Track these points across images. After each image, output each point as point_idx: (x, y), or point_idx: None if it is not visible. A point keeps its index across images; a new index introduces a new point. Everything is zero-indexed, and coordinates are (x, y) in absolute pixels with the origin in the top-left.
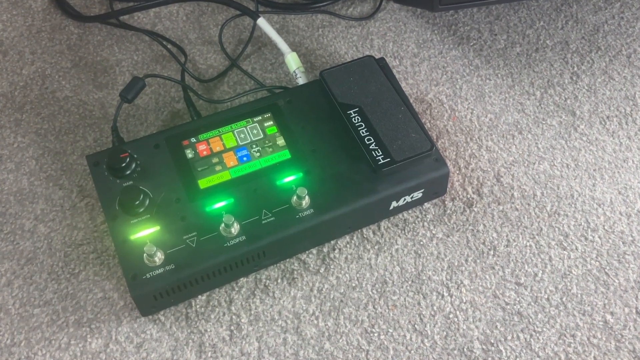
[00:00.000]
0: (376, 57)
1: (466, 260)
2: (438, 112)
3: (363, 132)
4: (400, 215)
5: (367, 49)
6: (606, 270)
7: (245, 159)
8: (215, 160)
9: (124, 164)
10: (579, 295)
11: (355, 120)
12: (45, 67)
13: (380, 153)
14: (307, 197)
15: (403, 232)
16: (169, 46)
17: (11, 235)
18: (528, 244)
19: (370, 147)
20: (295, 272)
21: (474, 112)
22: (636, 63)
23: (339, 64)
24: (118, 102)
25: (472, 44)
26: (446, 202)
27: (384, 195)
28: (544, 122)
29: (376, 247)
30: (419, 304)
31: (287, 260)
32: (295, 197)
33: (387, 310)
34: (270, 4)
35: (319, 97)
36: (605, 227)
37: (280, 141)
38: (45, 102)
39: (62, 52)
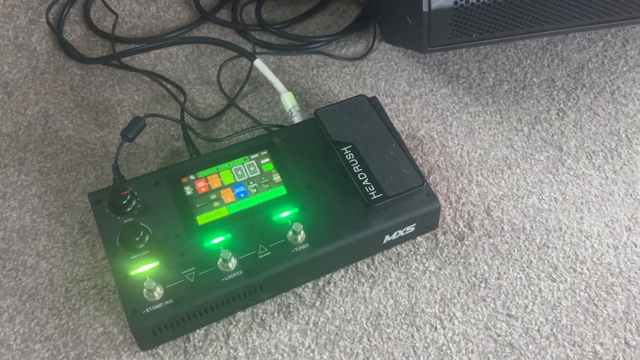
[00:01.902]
0: (368, 96)
1: (458, 293)
2: (429, 148)
3: (356, 169)
4: (393, 249)
5: (360, 87)
6: (595, 301)
7: (242, 195)
8: (213, 196)
9: (124, 202)
10: (569, 326)
11: (348, 157)
12: (48, 107)
13: (373, 189)
14: (302, 232)
15: (397, 265)
16: (169, 86)
17: (14, 271)
18: (518, 276)
19: (363, 183)
20: (292, 306)
21: (464, 147)
22: (620, 99)
23: (333, 102)
24: (119, 141)
25: (461, 82)
26: (438, 236)
27: (377, 229)
28: (532, 157)
29: (370, 280)
30: (412, 336)
31: (284, 294)
32: (291, 232)
33: (381, 343)
34: (267, 45)
35: (313, 135)
36: (593, 259)
37: (277, 177)
38: (48, 141)
39: (65, 93)
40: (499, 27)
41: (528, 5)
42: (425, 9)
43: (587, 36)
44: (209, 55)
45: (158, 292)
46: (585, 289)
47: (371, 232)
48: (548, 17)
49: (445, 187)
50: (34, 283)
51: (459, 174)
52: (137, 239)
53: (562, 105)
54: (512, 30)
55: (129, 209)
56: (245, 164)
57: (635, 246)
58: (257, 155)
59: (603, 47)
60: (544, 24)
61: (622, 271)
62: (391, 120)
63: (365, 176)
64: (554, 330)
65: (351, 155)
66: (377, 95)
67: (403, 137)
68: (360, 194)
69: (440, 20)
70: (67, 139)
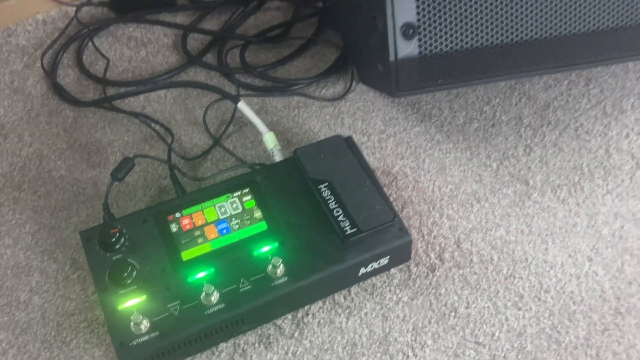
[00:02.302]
0: (345, 136)
1: (429, 322)
2: (403, 183)
3: (332, 205)
4: (369, 281)
5: (339, 127)
6: (558, 328)
7: (225, 231)
8: (197, 233)
9: (113, 239)
10: (533, 352)
11: (325, 194)
12: (42, 148)
13: (348, 224)
14: (281, 266)
15: (372, 296)
16: (157, 127)
17: (7, 307)
18: (486, 305)
19: (339, 218)
20: (272, 337)
21: (436, 183)
22: (583, 136)
23: (311, 142)
24: (109, 180)
25: (433, 120)
26: (411, 268)
27: (353, 262)
28: (499, 192)
29: (347, 311)
30: None
31: (264, 325)
32: (270, 266)
33: None
34: (251, 87)
35: (293, 173)
36: (557, 288)
37: (258, 214)
38: (42, 181)
39: (58, 135)
40: (463, 74)
41: (489, 55)
42: (392, 58)
43: (552, 76)
44: (196, 98)
45: (145, 325)
46: (549, 317)
47: (347, 265)
48: (509, 65)
49: (418, 221)
50: (27, 318)
51: (430, 208)
52: (125, 274)
53: (529, 141)
54: (476, 75)
55: (117, 246)
56: (228, 202)
57: (596, 275)
58: (239, 192)
59: (568, 86)
60: (505, 71)
61: (583, 299)
62: (367, 157)
63: (341, 212)
64: (519, 356)
65: (327, 192)
66: (354, 134)
67: (378, 173)
68: (336, 229)
69: (407, 68)
70: (60, 179)
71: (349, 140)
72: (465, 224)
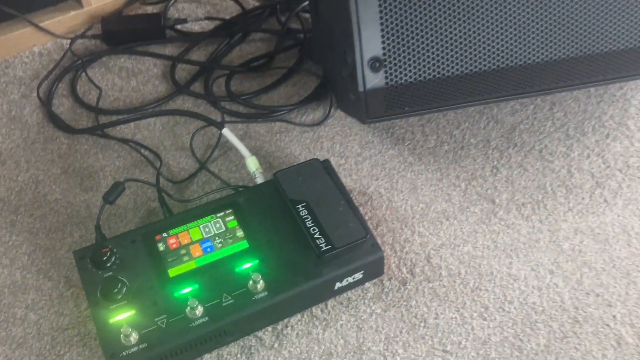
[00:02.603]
0: (322, 159)
1: (400, 332)
2: (378, 203)
3: (309, 224)
4: (345, 294)
5: (318, 150)
6: (520, 337)
7: (208, 249)
8: (183, 251)
9: (105, 258)
10: (497, 359)
11: (302, 213)
12: (38, 173)
13: (323, 241)
14: (261, 281)
15: (347, 309)
16: (147, 153)
17: (4, 323)
18: (454, 316)
19: (315, 236)
20: (253, 348)
21: (408, 202)
22: (547, 157)
23: (291, 165)
24: (101, 203)
25: (406, 144)
26: (384, 282)
27: (329, 277)
28: (467, 210)
29: (323, 323)
30: None
31: (246, 337)
32: (251, 282)
33: None
34: (235, 114)
35: (273, 195)
36: (520, 300)
37: (240, 233)
38: (37, 205)
39: (53, 161)
40: (429, 102)
41: (453, 84)
42: (361, 89)
43: (519, 100)
44: (183, 124)
45: (134, 337)
46: (512, 326)
47: (323, 279)
48: (473, 93)
49: (391, 238)
50: (23, 333)
51: (403, 226)
52: (116, 290)
53: (495, 162)
54: (441, 103)
55: (108, 265)
56: (212, 222)
57: (557, 287)
58: (222, 213)
59: (533, 110)
60: (469, 98)
61: (544, 309)
62: (344, 178)
63: (317, 230)
64: None
65: (305, 212)
66: (332, 157)
67: (355, 194)
68: (312, 246)
69: (375, 98)
70: (55, 202)
71: (326, 163)
72: (435, 240)
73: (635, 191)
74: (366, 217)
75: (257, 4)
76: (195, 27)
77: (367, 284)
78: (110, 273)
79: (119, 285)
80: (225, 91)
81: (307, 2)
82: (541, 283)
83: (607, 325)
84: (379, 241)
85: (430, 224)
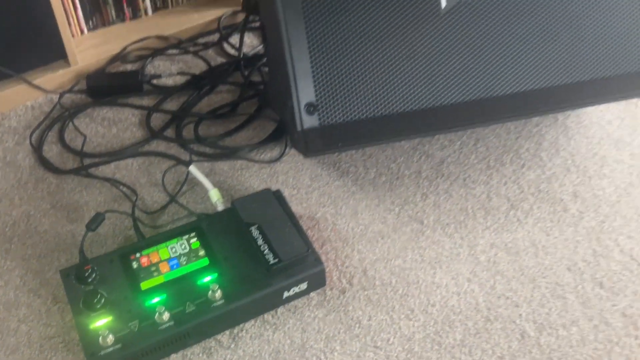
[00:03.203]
0: (274, 190)
1: (339, 332)
2: (324, 226)
3: (260, 242)
4: (292, 303)
5: (274, 183)
6: (440, 333)
7: (175, 266)
8: (153, 268)
9: (86, 274)
10: (420, 352)
11: (254, 234)
12: (29, 209)
13: (272, 256)
14: (219, 291)
15: (294, 315)
16: (125, 189)
17: (0, 334)
18: (384, 318)
19: (264, 252)
20: (212, 348)
21: (350, 225)
22: (469, 184)
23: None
24: (84, 231)
25: (350, 176)
26: (326, 291)
27: (277, 287)
28: (400, 230)
29: (273, 327)
30: None
31: (207, 339)
32: (210, 292)
33: None
34: (203, 154)
35: (231, 219)
36: (441, 303)
37: (201, 252)
38: (29, 235)
39: (43, 198)
40: (358, 138)
41: (380, 123)
42: (299, 128)
43: (448, 138)
44: (157, 164)
45: (110, 339)
46: (433, 325)
47: (272, 289)
48: (398, 130)
49: (334, 255)
50: (16, 341)
51: (344, 245)
52: (95, 301)
53: (425, 190)
54: (370, 138)
55: (89, 280)
56: (178, 243)
57: (473, 292)
58: (187, 236)
59: (460, 145)
60: (396, 134)
61: (461, 310)
62: (296, 206)
63: (266, 247)
64: (408, 355)
65: (257, 233)
66: (286, 188)
67: (305, 219)
68: (262, 260)
69: (312, 135)
70: (44, 233)
71: (277, 193)
72: (371, 256)
73: (544, 211)
74: (313, 238)
75: (224, 60)
76: (169, 81)
77: (311, 294)
78: (91, 287)
79: (98, 296)
80: (194, 135)
81: (265, 59)
82: (460, 289)
83: (514, 322)
84: (324, 258)
85: (367, 242)
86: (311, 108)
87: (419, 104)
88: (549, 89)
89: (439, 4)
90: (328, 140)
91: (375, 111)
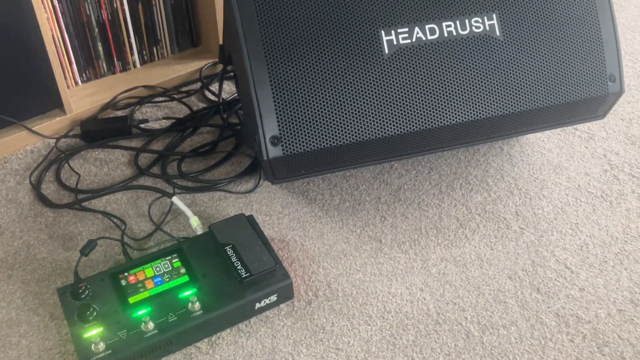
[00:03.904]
0: (247, 215)
1: (305, 337)
2: (293, 247)
3: (233, 259)
4: (264, 313)
5: (249, 211)
6: (395, 336)
7: (159, 283)
8: (140, 285)
9: (80, 291)
10: (376, 352)
11: (229, 252)
12: (29, 239)
13: (244, 270)
14: (197, 303)
15: (265, 324)
16: (115, 220)
17: (2, 347)
18: (345, 324)
19: (238, 267)
20: (192, 354)
21: (316, 245)
22: (423, 207)
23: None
24: (78, 256)
25: (317, 202)
26: (294, 303)
27: (250, 299)
28: (361, 249)
29: (247, 334)
30: None
31: (187, 347)
32: (190, 304)
33: None
34: (185, 188)
35: (209, 242)
36: (396, 310)
37: (182, 270)
38: (29, 262)
39: (41, 229)
40: (320, 165)
41: (339, 152)
42: (265, 158)
43: (405, 167)
44: (144, 197)
45: (101, 346)
46: (389, 329)
47: (245, 300)
48: (357, 158)
49: (302, 271)
50: (17, 354)
51: (311, 262)
52: (88, 314)
53: (384, 213)
54: (331, 166)
55: (83, 296)
56: (161, 263)
57: (425, 300)
58: (170, 257)
59: (415, 174)
60: (355, 162)
61: (414, 316)
62: (268, 230)
63: (239, 263)
64: (366, 355)
65: (231, 252)
66: (259, 215)
67: (276, 241)
68: (235, 275)
69: (277, 164)
70: (42, 260)
71: (249, 217)
72: (335, 271)
73: (489, 229)
74: (284, 258)
75: (205, 105)
76: (155, 125)
77: (281, 305)
78: (85, 302)
79: (91, 309)
80: (178, 171)
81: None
82: (413, 297)
83: (460, 324)
84: (293, 274)
85: (332, 259)
86: (275, 140)
87: (370, 134)
88: (485, 120)
89: (383, 50)
90: (292, 168)
91: (333, 142)
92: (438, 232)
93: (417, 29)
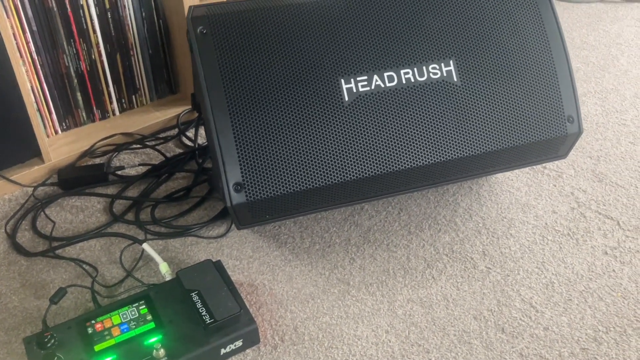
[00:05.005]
0: (215, 260)
1: None
2: (262, 291)
3: (199, 305)
4: (231, 358)
5: (220, 255)
6: None
7: (125, 330)
8: (106, 332)
9: (46, 340)
10: None
11: (195, 298)
12: (1, 288)
13: (208, 316)
14: (162, 349)
15: None
16: (87, 267)
17: None
18: None
19: (202, 313)
20: None
21: (285, 289)
22: (392, 249)
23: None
24: (48, 304)
25: (287, 246)
26: (260, 348)
27: (215, 344)
28: (329, 291)
29: None
30: None
31: None
32: (155, 351)
33: None
34: (158, 234)
35: (176, 287)
36: (361, 353)
37: (149, 317)
38: None
39: (14, 278)
40: (284, 210)
41: (301, 197)
42: (229, 204)
43: (375, 209)
44: (117, 244)
45: None
46: None
47: (210, 346)
48: (319, 202)
49: (269, 316)
50: None
51: (279, 306)
52: None
53: (353, 255)
54: (294, 210)
55: (49, 345)
56: (128, 310)
57: (390, 342)
58: (137, 304)
59: (385, 215)
60: (317, 206)
61: (379, 358)
62: (238, 275)
63: (204, 309)
64: None
65: (197, 297)
66: (229, 260)
67: (245, 286)
68: (200, 321)
69: (241, 210)
70: (13, 308)
71: (217, 263)
72: (302, 315)
73: (456, 269)
74: (252, 302)
75: (181, 151)
76: (131, 172)
77: (247, 350)
78: (50, 351)
79: (55, 358)
80: (151, 217)
81: None
82: (378, 340)
83: None
84: (260, 319)
85: (299, 303)
86: (238, 187)
87: (331, 179)
88: (445, 162)
89: (343, 97)
90: (256, 214)
91: (295, 187)
92: (405, 273)
93: (375, 76)
